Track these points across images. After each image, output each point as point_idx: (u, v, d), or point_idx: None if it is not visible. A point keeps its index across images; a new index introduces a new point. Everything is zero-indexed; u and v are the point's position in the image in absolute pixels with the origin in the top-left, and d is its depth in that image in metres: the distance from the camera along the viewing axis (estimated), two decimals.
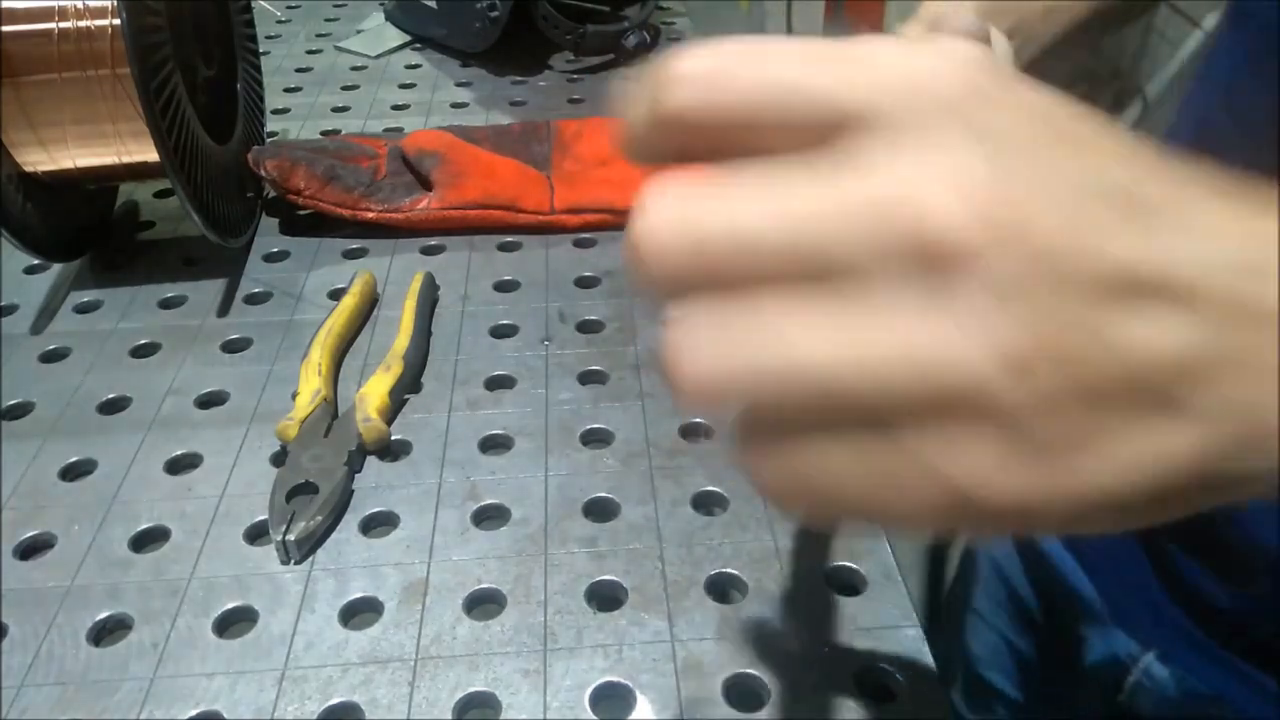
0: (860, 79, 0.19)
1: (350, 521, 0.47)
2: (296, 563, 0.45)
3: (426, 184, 0.69)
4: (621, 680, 0.39)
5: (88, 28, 0.57)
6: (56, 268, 0.66)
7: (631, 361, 0.57)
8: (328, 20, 1.05)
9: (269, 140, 0.78)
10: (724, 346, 0.19)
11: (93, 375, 0.56)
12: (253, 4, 0.79)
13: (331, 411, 0.52)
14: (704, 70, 0.20)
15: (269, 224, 0.71)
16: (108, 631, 0.42)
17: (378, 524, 0.47)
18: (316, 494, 0.47)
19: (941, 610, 0.76)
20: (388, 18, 1.01)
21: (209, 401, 0.55)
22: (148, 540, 0.46)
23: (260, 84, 0.78)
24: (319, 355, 0.54)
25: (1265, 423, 0.19)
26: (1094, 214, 0.19)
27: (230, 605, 0.43)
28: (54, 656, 0.41)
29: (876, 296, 0.19)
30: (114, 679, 0.40)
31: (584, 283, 0.64)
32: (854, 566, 0.44)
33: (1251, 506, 0.44)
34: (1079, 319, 0.18)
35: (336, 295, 0.62)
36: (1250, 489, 0.20)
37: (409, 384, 0.55)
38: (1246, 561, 0.46)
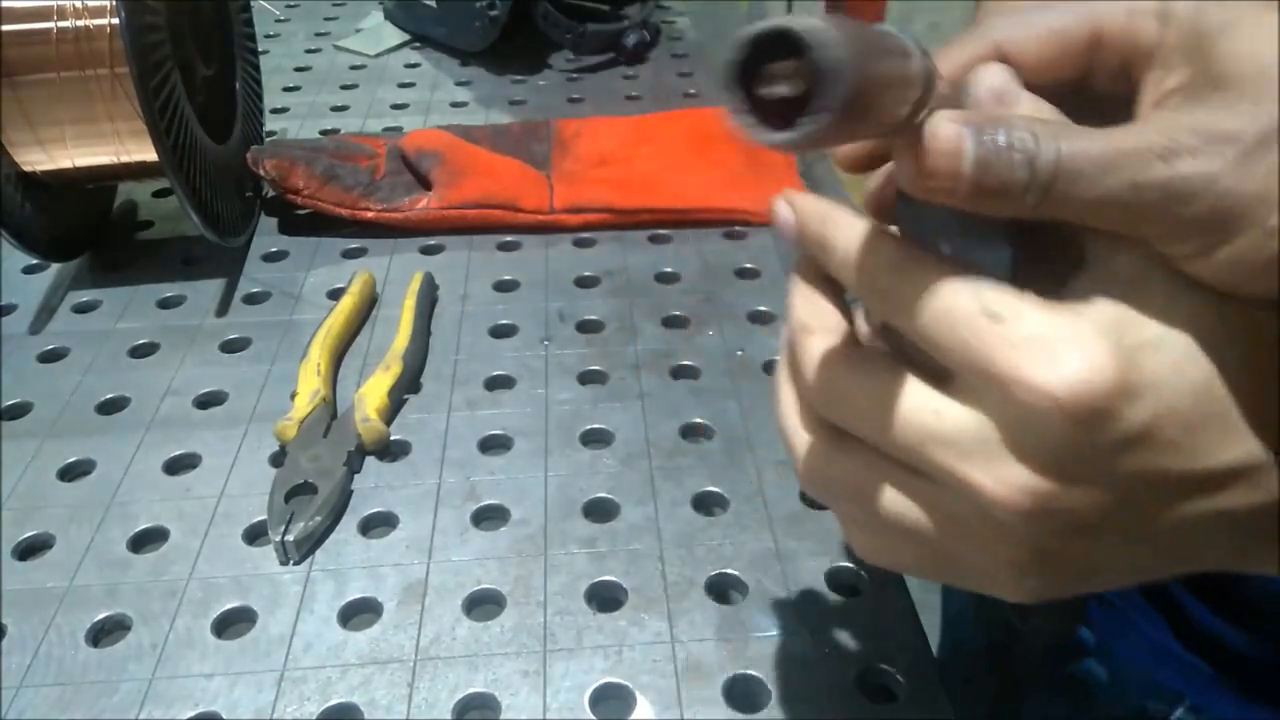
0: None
1: (349, 522, 0.47)
2: (295, 563, 0.45)
3: (426, 183, 0.69)
4: (621, 681, 0.39)
5: (86, 27, 0.57)
6: (55, 267, 0.66)
7: (631, 361, 0.56)
8: (327, 19, 1.05)
9: (268, 139, 0.78)
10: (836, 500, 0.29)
11: (91, 375, 0.56)
12: (251, 3, 0.79)
13: (330, 412, 0.52)
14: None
15: (268, 223, 0.70)
16: (106, 632, 0.42)
17: (377, 524, 0.47)
18: (315, 494, 0.46)
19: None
20: (387, 16, 1.01)
21: (208, 402, 0.55)
22: (146, 541, 0.46)
23: (259, 83, 0.78)
24: (318, 355, 0.54)
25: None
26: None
27: (229, 606, 0.43)
28: (52, 657, 0.41)
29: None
30: (112, 680, 0.40)
31: (584, 282, 0.64)
32: (854, 567, 0.44)
33: None
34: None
35: (335, 295, 0.62)
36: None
37: (408, 384, 0.55)
38: (1262, 608, 0.46)
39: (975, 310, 0.24)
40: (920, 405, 0.25)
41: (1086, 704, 0.56)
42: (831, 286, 0.29)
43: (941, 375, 0.25)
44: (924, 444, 0.25)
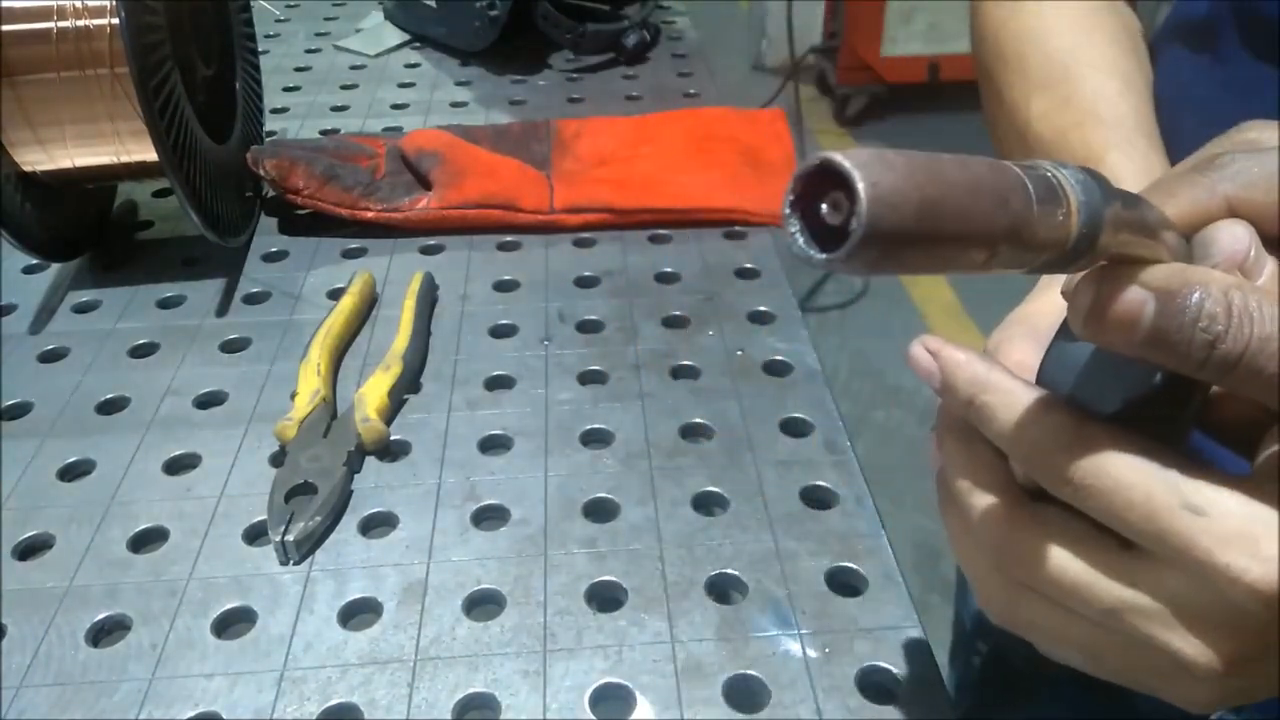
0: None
1: (349, 522, 0.47)
2: (295, 563, 0.45)
3: (426, 183, 0.69)
4: (621, 681, 0.39)
5: (86, 27, 0.57)
6: (55, 267, 0.66)
7: (631, 361, 0.56)
8: (327, 19, 1.05)
9: (268, 139, 0.78)
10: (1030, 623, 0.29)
11: (91, 375, 0.56)
12: (251, 3, 0.79)
13: (330, 412, 0.52)
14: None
15: (268, 223, 0.70)
16: (106, 632, 0.42)
17: (377, 524, 0.47)
18: (315, 494, 0.46)
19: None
20: (387, 17, 1.01)
21: (208, 401, 0.55)
22: (146, 541, 0.46)
23: (259, 83, 0.78)
24: (318, 355, 0.54)
25: None
26: None
27: (229, 606, 0.43)
28: (52, 657, 0.41)
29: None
30: (112, 680, 0.40)
31: (584, 282, 0.64)
32: (854, 566, 0.44)
33: None
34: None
35: (335, 295, 0.62)
36: None
37: (408, 384, 0.55)
38: None
39: (1175, 504, 0.24)
40: (1112, 576, 0.26)
41: (1124, 700, 0.56)
42: (984, 440, 0.28)
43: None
44: (1120, 612, 0.26)
